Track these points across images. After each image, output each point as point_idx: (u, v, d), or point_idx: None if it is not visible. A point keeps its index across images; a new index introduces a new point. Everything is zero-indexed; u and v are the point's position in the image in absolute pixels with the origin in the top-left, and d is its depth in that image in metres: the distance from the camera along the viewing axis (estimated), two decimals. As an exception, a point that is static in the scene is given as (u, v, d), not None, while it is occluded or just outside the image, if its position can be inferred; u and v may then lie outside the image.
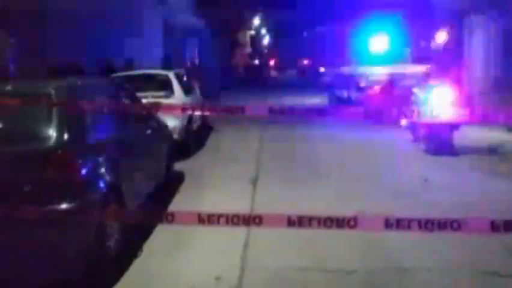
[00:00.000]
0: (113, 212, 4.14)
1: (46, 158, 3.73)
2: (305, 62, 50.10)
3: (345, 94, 16.97)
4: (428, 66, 15.44)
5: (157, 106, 6.08)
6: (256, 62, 54.33)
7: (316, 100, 19.97)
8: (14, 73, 8.32)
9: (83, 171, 3.92)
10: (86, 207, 3.74)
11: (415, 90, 9.61)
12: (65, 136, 3.87)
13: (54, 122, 3.89)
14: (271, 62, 60.47)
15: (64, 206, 3.62)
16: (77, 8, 13.91)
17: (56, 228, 3.55)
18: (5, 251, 3.57)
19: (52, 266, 3.73)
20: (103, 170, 4.18)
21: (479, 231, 3.24)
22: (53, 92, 4.15)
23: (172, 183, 6.83)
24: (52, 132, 3.86)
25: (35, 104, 3.98)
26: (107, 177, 4.18)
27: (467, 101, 8.63)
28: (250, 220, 2.93)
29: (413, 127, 9.40)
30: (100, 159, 4.23)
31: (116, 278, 4.01)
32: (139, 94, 6.77)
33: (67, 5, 12.94)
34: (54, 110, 3.95)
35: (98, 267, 3.91)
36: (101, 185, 4.07)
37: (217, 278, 3.99)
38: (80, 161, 3.92)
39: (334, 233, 3.29)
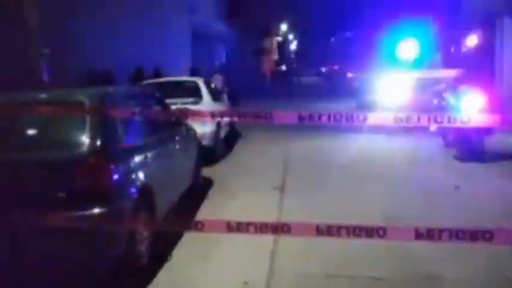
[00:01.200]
0: (144, 218, 4.21)
1: (79, 165, 3.82)
2: (333, 67, 49.86)
3: (374, 99, 16.80)
4: (459, 70, 15.17)
5: (186, 113, 6.15)
6: (284, 68, 54.31)
7: (345, 105, 19.83)
8: (47, 82, 8.56)
9: (115, 178, 3.99)
10: (118, 214, 3.82)
11: (446, 95, 9.46)
12: (98, 143, 3.96)
13: (87, 129, 3.99)
14: (299, 68, 60.35)
15: (96, 212, 3.70)
16: (107, 15, 14.23)
17: (88, 234, 3.62)
18: (41, 255, 3.68)
19: (84, 271, 3.83)
20: (134, 176, 4.25)
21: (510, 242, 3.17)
22: (85, 100, 4.26)
23: (200, 189, 6.89)
24: (85, 139, 3.95)
25: (69, 112, 4.09)
26: (139, 184, 4.25)
27: (499, 106, 8.43)
28: (279, 228, 2.93)
29: (443, 132, 9.24)
30: (132, 165, 4.30)
31: (146, 283, 4.08)
32: (168, 101, 6.87)
33: (97, 14, 13.27)
34: (87, 118, 4.04)
35: (128, 272, 3.98)
36: (133, 191, 4.14)
37: (245, 283, 4.02)
38: (112, 168, 4.00)
39: (363, 240, 3.28)
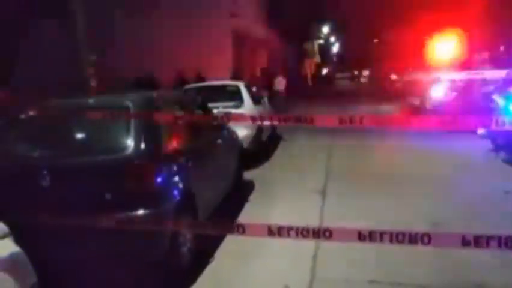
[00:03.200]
0: (187, 220, 4.27)
1: (124, 168, 3.92)
2: (376, 69, 49.10)
3: (418, 102, 16.44)
4: (508, 71, 14.62)
5: (227, 116, 6.20)
6: (325, 71, 53.89)
7: (389, 108, 19.49)
8: (95, 87, 8.86)
9: (159, 181, 4.07)
10: (162, 216, 3.89)
11: (495, 96, 9.14)
12: (142, 146, 4.06)
13: (132, 133, 4.09)
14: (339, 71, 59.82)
15: (141, 213, 3.79)
16: (148, 19, 14.54)
17: (134, 235, 3.71)
18: (89, 255, 3.81)
19: (130, 271, 3.93)
20: (177, 179, 4.33)
21: None
22: (130, 104, 4.37)
23: (241, 192, 6.92)
24: (130, 143, 4.05)
25: (115, 116, 4.20)
26: (182, 187, 4.32)
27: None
28: (320, 233, 2.91)
29: (492, 136, 8.92)
30: (175, 169, 4.38)
31: (189, 284, 4.13)
32: (210, 105, 6.95)
33: (141, 17, 13.58)
34: (132, 122, 4.15)
35: (172, 273, 4.05)
36: (176, 194, 4.21)
37: (286, 287, 4.01)
38: (156, 171, 4.08)
39: (408, 246, 3.20)
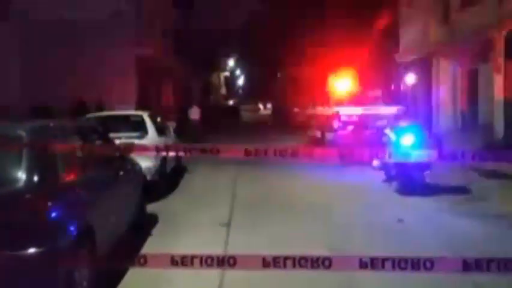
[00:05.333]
0: (85, 256, 4.03)
1: (16, 201, 3.64)
2: (279, 102, 50.79)
3: (319, 134, 17.21)
4: (399, 107, 15.86)
5: (130, 147, 6.04)
6: (231, 102, 54.78)
7: (292, 140, 20.16)
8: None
9: (53, 215, 3.82)
10: (56, 253, 3.63)
11: (387, 131, 9.81)
12: (35, 179, 3.80)
13: (25, 164, 3.82)
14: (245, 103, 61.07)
15: (33, 251, 3.51)
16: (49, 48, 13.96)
17: (25, 273, 3.43)
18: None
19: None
20: (74, 213, 4.09)
21: (451, 270, 3.26)
22: (23, 133, 4.10)
23: (144, 225, 6.71)
24: (22, 175, 3.78)
25: (6, 146, 3.92)
26: (79, 221, 4.08)
27: (436, 141, 8.82)
28: (225, 261, 2.89)
29: (386, 167, 9.53)
30: (72, 201, 4.14)
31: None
32: (112, 135, 6.74)
33: (37, 47, 13.00)
34: (25, 152, 3.88)
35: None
36: (73, 229, 3.96)
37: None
38: (50, 204, 3.83)
39: (310, 272, 3.28)
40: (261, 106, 63.32)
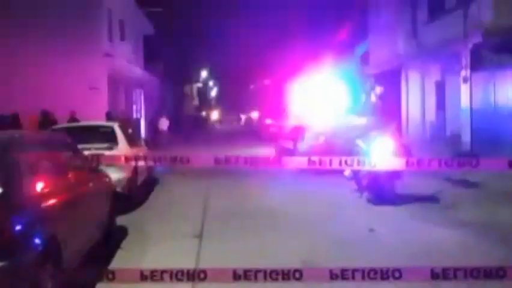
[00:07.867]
0: (50, 270, 3.90)
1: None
2: (252, 113, 50.94)
3: (290, 145, 17.25)
4: (369, 118, 16.05)
5: (99, 158, 5.91)
6: (204, 113, 54.64)
7: (263, 151, 20.17)
8: None
9: (16, 229, 3.69)
10: (19, 268, 3.50)
11: (357, 141, 9.90)
12: (-2, 191, 3.67)
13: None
14: (216, 114, 61.07)
15: (-6, 265, 3.38)
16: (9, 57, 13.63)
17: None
18: None
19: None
20: (39, 226, 3.96)
21: (419, 279, 3.28)
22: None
23: (114, 238, 6.57)
24: (-16, 187, 3.65)
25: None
26: (44, 234, 3.95)
27: (406, 151, 8.94)
28: (195, 275, 2.84)
29: (357, 177, 9.60)
30: (36, 214, 4.02)
31: None
32: (81, 146, 6.60)
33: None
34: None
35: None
36: (37, 241, 3.84)
37: None
38: (12, 217, 3.70)
39: (281, 285, 3.25)
40: (234, 117, 63.35)
